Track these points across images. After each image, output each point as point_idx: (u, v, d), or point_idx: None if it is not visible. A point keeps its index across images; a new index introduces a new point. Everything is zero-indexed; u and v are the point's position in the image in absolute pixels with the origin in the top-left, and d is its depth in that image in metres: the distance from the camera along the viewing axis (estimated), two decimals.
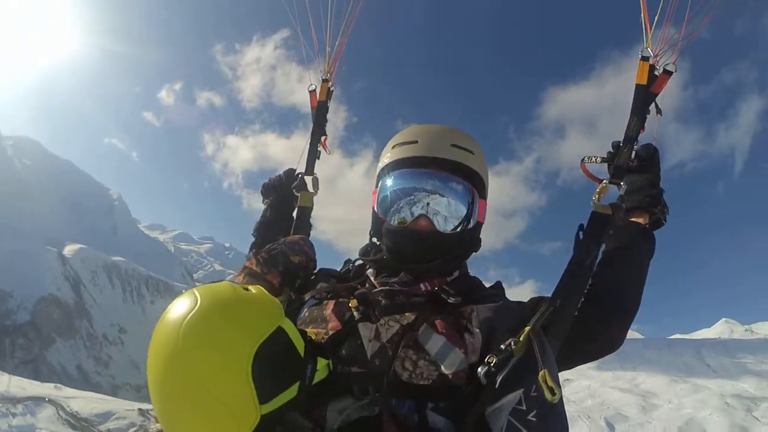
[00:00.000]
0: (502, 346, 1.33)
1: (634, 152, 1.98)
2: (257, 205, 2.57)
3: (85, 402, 68.54)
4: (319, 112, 2.55)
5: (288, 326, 1.20)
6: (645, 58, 1.98)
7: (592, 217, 1.88)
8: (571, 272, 1.77)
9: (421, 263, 1.63)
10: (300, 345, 1.20)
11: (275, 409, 1.12)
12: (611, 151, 1.97)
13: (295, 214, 2.38)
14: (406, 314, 1.48)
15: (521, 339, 1.31)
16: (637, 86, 1.98)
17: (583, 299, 1.79)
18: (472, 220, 1.71)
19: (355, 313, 1.50)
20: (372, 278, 1.71)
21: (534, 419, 1.21)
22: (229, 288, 1.21)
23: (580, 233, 1.84)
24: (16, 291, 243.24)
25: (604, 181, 1.95)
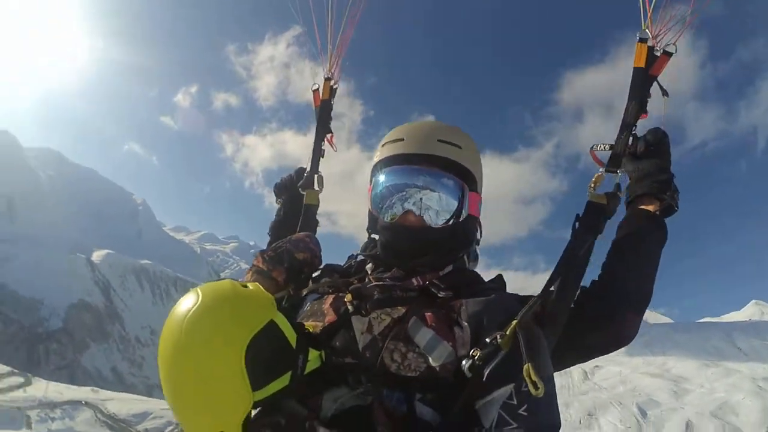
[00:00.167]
0: (488, 340, 1.34)
1: (642, 137, 1.95)
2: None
3: (121, 403, 69.94)
4: (323, 111, 2.60)
5: (280, 320, 1.26)
6: (643, 40, 1.94)
7: (586, 206, 1.87)
8: (564, 264, 1.75)
9: (413, 258, 1.65)
10: (292, 337, 1.26)
11: (269, 396, 1.20)
12: (619, 137, 1.96)
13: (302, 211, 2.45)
14: (399, 308, 1.50)
15: (507, 333, 1.32)
16: (635, 69, 1.94)
17: (588, 292, 1.81)
18: (463, 214, 1.70)
19: (350, 307, 1.53)
20: (369, 273, 1.74)
21: (525, 413, 1.22)
22: (227, 285, 1.28)
23: (576, 223, 1.83)
24: (46, 299, 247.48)
25: (601, 169, 1.94)
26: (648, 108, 1.96)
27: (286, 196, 2.56)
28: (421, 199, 1.64)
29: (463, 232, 1.73)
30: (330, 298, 1.63)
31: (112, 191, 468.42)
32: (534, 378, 1.20)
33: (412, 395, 1.34)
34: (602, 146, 1.99)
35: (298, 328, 1.32)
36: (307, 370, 1.28)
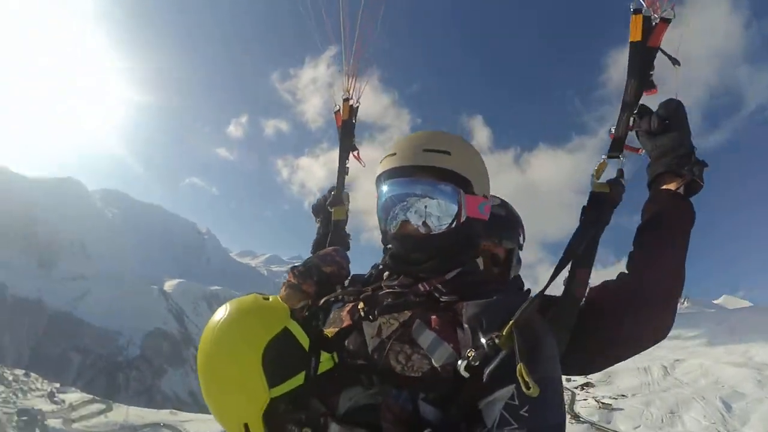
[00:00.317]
0: (483, 341, 1.35)
1: (654, 113, 1.84)
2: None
3: (199, 424, 71.69)
4: (344, 131, 2.69)
5: (293, 326, 1.42)
6: (637, 11, 1.83)
7: (589, 197, 1.82)
8: (566, 259, 1.75)
9: (417, 265, 1.68)
10: (305, 341, 1.41)
11: (285, 393, 1.36)
12: (635, 117, 1.88)
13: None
14: (405, 313, 1.55)
15: (504, 333, 1.32)
16: (631, 44, 1.84)
17: (611, 284, 1.78)
18: (462, 217, 1.68)
19: (362, 313, 1.60)
20: (383, 281, 1.79)
21: (526, 414, 1.24)
22: (250, 299, 1.49)
23: (583, 216, 1.81)
24: (124, 329, 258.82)
25: (603, 156, 1.87)
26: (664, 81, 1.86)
27: (322, 215, 2.68)
28: (425, 207, 1.65)
29: (464, 236, 1.71)
30: (348, 306, 1.70)
31: (177, 224, 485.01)
32: (526, 378, 1.21)
33: (416, 395, 1.38)
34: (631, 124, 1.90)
35: (312, 333, 1.46)
36: (321, 370, 1.41)
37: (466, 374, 1.33)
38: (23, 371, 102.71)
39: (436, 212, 1.65)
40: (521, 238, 2.19)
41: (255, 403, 1.35)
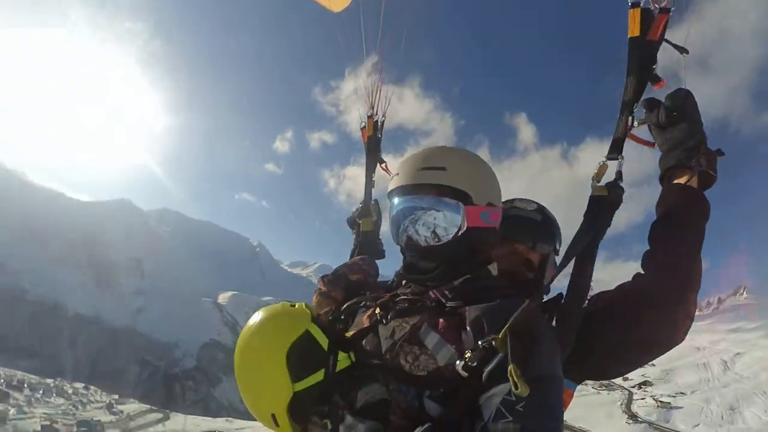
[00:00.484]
0: (480, 343, 1.41)
1: (662, 105, 1.81)
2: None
3: (255, 431, 72.80)
4: (370, 145, 2.85)
5: (314, 329, 1.60)
6: (635, 4, 1.80)
7: (589, 201, 1.84)
8: (565, 263, 1.78)
9: (424, 274, 1.75)
10: (324, 342, 1.58)
11: (307, 387, 1.53)
12: (646, 111, 1.86)
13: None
14: (415, 317, 1.64)
15: (500, 336, 1.37)
16: (630, 40, 1.81)
17: (622, 290, 1.78)
18: (462, 228, 1.71)
19: (378, 317, 1.73)
20: (399, 289, 1.87)
21: (521, 409, 1.29)
22: (278, 306, 1.69)
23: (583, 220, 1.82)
24: (180, 342, 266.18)
25: (603, 158, 1.86)
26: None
27: (356, 227, 2.81)
28: (433, 219, 1.72)
29: (466, 245, 1.75)
30: (369, 311, 1.80)
31: (229, 238, 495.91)
32: (516, 379, 1.26)
33: (421, 392, 1.47)
34: (637, 122, 1.87)
35: (332, 334, 1.64)
36: (339, 368, 1.57)
37: (464, 374, 1.40)
38: (83, 384, 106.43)
39: (443, 223, 1.71)
40: (557, 243, 2.19)
41: (280, 397, 1.53)
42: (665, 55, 1.82)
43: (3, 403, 70.06)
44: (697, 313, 1.70)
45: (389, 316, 1.71)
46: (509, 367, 1.29)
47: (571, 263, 1.83)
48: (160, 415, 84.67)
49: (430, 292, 1.71)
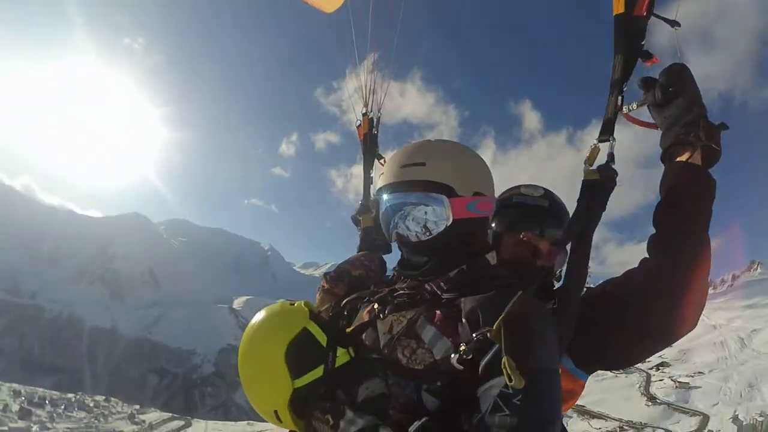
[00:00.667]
0: (474, 335, 1.41)
1: (657, 82, 1.77)
2: None
3: None
4: (366, 143, 2.92)
5: (312, 326, 1.63)
6: None
7: (581, 186, 1.79)
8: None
9: (417, 269, 1.78)
10: (322, 339, 1.61)
11: (307, 384, 1.56)
12: (643, 92, 1.83)
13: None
14: (413, 310, 1.65)
15: (494, 328, 1.36)
16: (616, 17, 1.76)
17: (628, 277, 1.75)
18: (449, 220, 1.72)
19: (376, 312, 1.76)
20: (397, 284, 1.89)
21: (518, 402, 1.27)
22: (277, 305, 1.72)
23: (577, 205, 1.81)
24: (198, 348, 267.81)
25: (595, 141, 1.81)
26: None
27: (360, 224, 2.85)
28: (424, 213, 1.73)
29: (454, 236, 1.75)
30: (369, 306, 1.83)
31: (240, 243, 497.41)
32: (509, 371, 1.25)
33: (419, 385, 1.48)
34: (633, 105, 1.83)
35: (331, 331, 1.67)
36: (338, 364, 1.60)
37: (459, 367, 1.40)
38: (104, 397, 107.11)
39: (432, 218, 1.73)
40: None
41: (281, 393, 1.56)
42: (663, 34, 1.80)
43: (25, 420, 70.55)
44: (711, 291, 1.59)
45: (387, 311, 1.72)
46: (503, 359, 1.28)
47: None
48: (182, 423, 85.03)
49: (426, 285, 1.72)
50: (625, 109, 1.81)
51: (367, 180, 2.91)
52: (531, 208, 2.15)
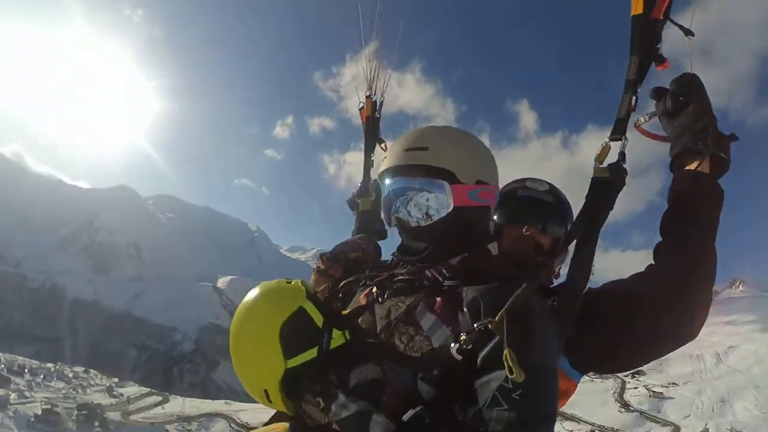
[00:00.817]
0: (475, 326, 1.39)
1: (668, 91, 1.78)
2: None
3: (253, 413, 73.44)
4: (369, 126, 2.86)
5: (308, 306, 1.56)
6: None
7: (591, 183, 1.81)
8: (562, 247, 1.80)
9: (416, 255, 1.74)
10: (318, 319, 1.54)
11: (300, 364, 1.50)
12: (655, 102, 1.84)
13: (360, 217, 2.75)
14: (412, 296, 1.62)
15: (497, 319, 1.35)
16: (633, 18, 1.78)
17: (633, 282, 1.74)
18: (449, 206, 1.69)
19: (375, 296, 1.72)
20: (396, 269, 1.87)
21: (517, 398, 1.26)
22: (273, 283, 1.65)
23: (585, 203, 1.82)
24: (179, 325, 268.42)
25: (606, 139, 1.83)
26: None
27: (357, 208, 2.82)
28: (426, 200, 1.71)
29: (455, 224, 1.72)
30: (367, 289, 1.79)
31: (228, 223, 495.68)
32: (511, 364, 1.23)
33: (415, 373, 1.44)
34: (644, 117, 1.86)
35: (327, 312, 1.59)
36: (333, 346, 1.54)
37: (458, 356, 1.37)
38: (83, 368, 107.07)
39: (435, 204, 1.69)
40: (569, 226, 2.08)
41: (273, 372, 1.51)
42: (666, 45, 1.81)
43: (4, 388, 70.56)
44: None
45: (386, 295, 1.69)
46: (505, 352, 1.26)
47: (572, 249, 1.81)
48: (159, 398, 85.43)
49: (427, 272, 1.69)
50: (638, 122, 1.84)
51: (368, 163, 2.88)
52: (536, 202, 2.11)
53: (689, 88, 1.74)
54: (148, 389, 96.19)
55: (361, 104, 2.92)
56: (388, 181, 1.76)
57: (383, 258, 2.24)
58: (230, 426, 71.35)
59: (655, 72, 1.81)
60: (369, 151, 2.88)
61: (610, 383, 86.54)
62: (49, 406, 62.54)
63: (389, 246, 2.23)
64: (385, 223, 1.86)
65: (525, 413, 1.26)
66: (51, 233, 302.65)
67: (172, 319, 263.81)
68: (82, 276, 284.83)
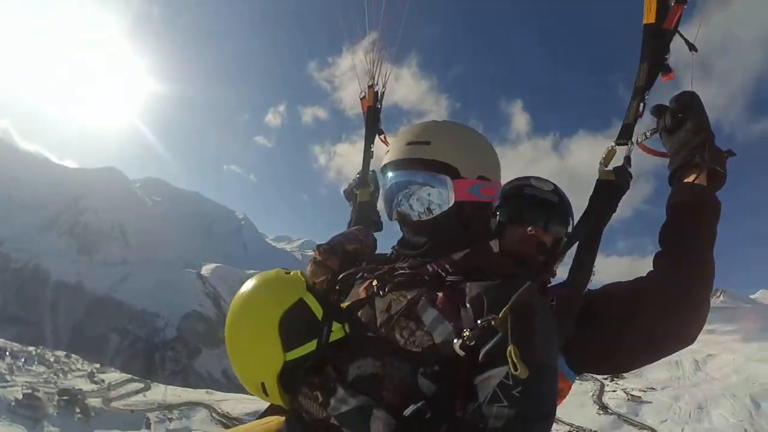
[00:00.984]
0: (479, 321, 1.38)
1: (668, 109, 1.83)
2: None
3: (235, 403, 73.46)
4: (370, 116, 2.80)
5: (308, 298, 1.54)
6: None
7: (595, 185, 1.83)
8: (565, 247, 1.83)
9: (417, 249, 1.75)
10: (318, 312, 1.53)
11: (299, 357, 1.48)
12: (656, 119, 1.88)
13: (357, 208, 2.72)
14: (413, 291, 1.61)
15: (500, 315, 1.35)
16: (645, 26, 1.81)
17: (633, 288, 1.75)
18: (450, 201, 1.71)
19: (375, 289, 1.71)
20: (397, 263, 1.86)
21: (517, 395, 1.26)
22: (272, 273, 1.64)
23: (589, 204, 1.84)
24: (162, 311, 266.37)
25: (612, 143, 1.86)
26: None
27: (353, 199, 2.78)
28: (428, 194, 1.72)
29: (455, 218, 1.74)
30: (366, 282, 1.79)
31: (215, 210, 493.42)
32: (515, 360, 1.23)
33: (416, 368, 1.43)
34: (646, 134, 1.89)
35: (326, 304, 1.58)
36: (332, 339, 1.53)
37: (461, 352, 1.36)
38: (64, 353, 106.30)
39: (437, 199, 1.70)
40: (570, 227, 2.12)
41: (271, 365, 1.48)
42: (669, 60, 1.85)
43: None
44: None
45: (386, 289, 1.68)
46: (509, 348, 1.26)
47: (573, 249, 1.83)
48: (141, 385, 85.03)
49: (428, 266, 1.68)
50: (638, 139, 1.87)
51: (368, 153, 2.83)
52: (541, 201, 2.12)
53: (687, 105, 1.78)
54: (130, 376, 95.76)
55: (363, 93, 2.87)
56: (390, 174, 1.76)
57: (380, 251, 2.22)
58: (211, 415, 71.24)
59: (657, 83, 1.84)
60: (369, 142, 2.83)
61: (589, 385, 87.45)
62: (30, 391, 61.93)
63: (384, 238, 2.34)
64: (387, 216, 1.86)
65: (525, 410, 1.25)
66: (36, 212, 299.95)
67: (155, 305, 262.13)
68: (66, 257, 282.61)
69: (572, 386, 1.93)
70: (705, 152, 1.71)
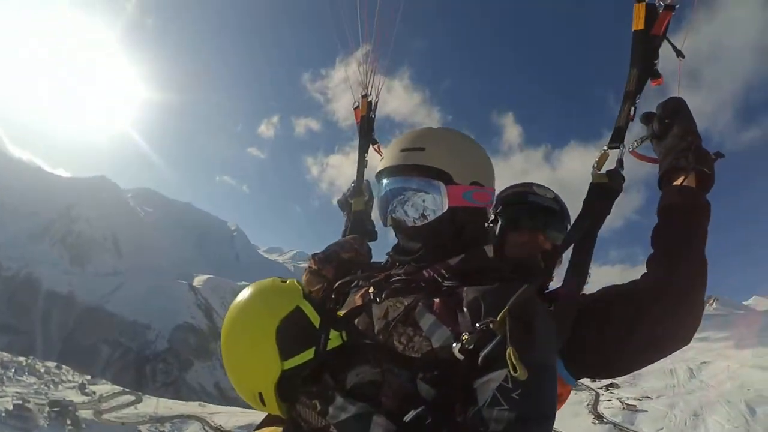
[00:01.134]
0: (477, 325, 1.38)
1: (655, 115, 1.86)
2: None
3: (228, 416, 73.01)
4: (363, 125, 2.83)
5: (305, 306, 1.53)
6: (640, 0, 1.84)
7: (589, 188, 1.86)
8: (560, 250, 1.85)
9: (412, 255, 1.76)
10: (315, 320, 1.52)
11: (297, 366, 1.46)
12: (645, 127, 1.91)
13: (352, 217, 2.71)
14: (410, 297, 1.61)
15: (499, 319, 1.34)
16: (634, 33, 1.85)
17: (627, 290, 1.75)
18: (443, 207, 1.73)
19: (371, 296, 1.71)
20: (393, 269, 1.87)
21: (517, 397, 1.26)
22: (269, 281, 1.62)
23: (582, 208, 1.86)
24: (153, 323, 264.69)
25: (604, 147, 1.89)
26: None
27: (347, 209, 2.78)
28: (422, 200, 1.73)
29: (449, 224, 1.75)
30: (362, 290, 1.78)
31: (208, 221, 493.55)
32: (515, 362, 1.23)
33: (415, 374, 1.43)
34: (637, 141, 1.91)
35: (324, 312, 1.57)
36: (330, 347, 1.51)
37: (460, 356, 1.36)
38: (55, 363, 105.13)
39: (431, 205, 1.71)
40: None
41: (269, 374, 1.46)
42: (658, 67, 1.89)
43: None
44: None
45: (383, 296, 1.67)
46: (508, 350, 1.26)
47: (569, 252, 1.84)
48: (132, 398, 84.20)
49: (424, 272, 1.68)
50: (630, 147, 1.88)
51: (362, 162, 2.84)
52: (545, 210, 2.17)
53: (674, 111, 1.82)
54: (121, 388, 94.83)
55: (356, 104, 2.89)
56: (385, 181, 1.78)
57: (374, 261, 2.20)
58: (204, 429, 70.69)
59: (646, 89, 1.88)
60: (363, 151, 2.84)
61: (584, 395, 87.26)
62: (20, 402, 61.21)
63: (379, 247, 2.37)
64: (381, 222, 1.87)
65: (525, 412, 1.25)
66: (27, 220, 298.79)
67: (146, 316, 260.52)
68: (58, 266, 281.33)
69: (571, 390, 1.94)
70: (690, 155, 1.73)
